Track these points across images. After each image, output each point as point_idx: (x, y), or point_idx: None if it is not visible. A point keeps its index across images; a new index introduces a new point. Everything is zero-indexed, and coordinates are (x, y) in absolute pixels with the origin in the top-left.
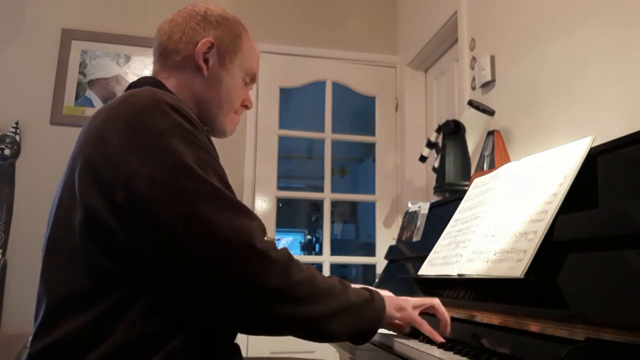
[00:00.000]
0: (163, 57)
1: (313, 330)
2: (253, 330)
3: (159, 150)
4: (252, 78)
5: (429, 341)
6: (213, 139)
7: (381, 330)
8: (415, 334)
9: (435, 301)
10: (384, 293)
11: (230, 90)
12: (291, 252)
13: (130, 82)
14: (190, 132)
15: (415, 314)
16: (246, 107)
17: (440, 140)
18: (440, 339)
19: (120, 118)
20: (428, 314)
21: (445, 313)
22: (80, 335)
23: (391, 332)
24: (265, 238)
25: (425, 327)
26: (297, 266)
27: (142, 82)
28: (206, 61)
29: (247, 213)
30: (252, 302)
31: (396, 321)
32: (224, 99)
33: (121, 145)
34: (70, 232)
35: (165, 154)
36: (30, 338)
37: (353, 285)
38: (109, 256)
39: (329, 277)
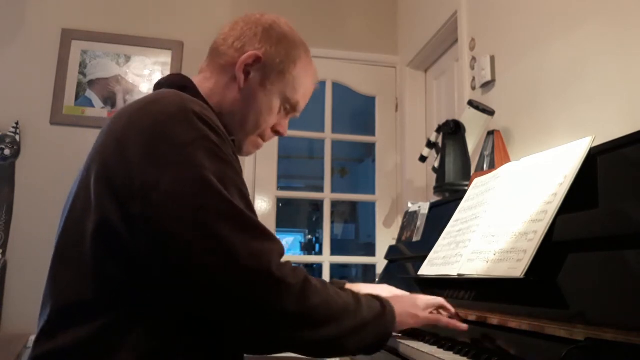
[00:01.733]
0: (212, 55)
1: (328, 350)
2: (267, 352)
3: (180, 162)
4: (293, 107)
5: (434, 343)
6: None
7: None
8: (415, 334)
9: (442, 300)
10: (386, 289)
11: (261, 113)
12: (289, 254)
13: (159, 79)
14: (215, 145)
15: (427, 314)
16: (277, 132)
17: (440, 140)
18: (464, 326)
19: (143, 125)
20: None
21: (453, 309)
22: (84, 346)
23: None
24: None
25: (443, 321)
26: (313, 289)
27: (171, 80)
28: (247, 74)
29: (266, 235)
30: (268, 327)
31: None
32: (250, 118)
33: (141, 154)
34: (81, 238)
35: (186, 167)
36: (34, 338)
37: (364, 287)
38: (119, 267)
39: (342, 291)
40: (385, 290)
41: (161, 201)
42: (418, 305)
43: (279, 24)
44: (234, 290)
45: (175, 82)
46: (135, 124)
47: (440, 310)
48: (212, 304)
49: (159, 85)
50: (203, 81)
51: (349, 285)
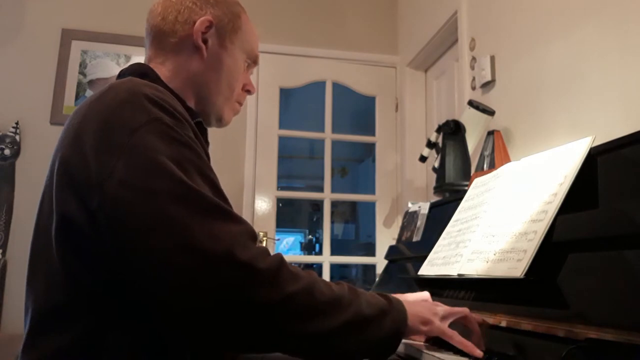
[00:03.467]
0: (157, 40)
1: (317, 350)
2: (247, 350)
3: (132, 148)
4: (254, 60)
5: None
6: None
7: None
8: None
9: (467, 311)
10: (413, 297)
11: (232, 73)
12: (289, 254)
13: (121, 69)
14: (169, 127)
15: (444, 326)
16: (248, 91)
17: (440, 140)
18: (480, 353)
19: (97, 115)
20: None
21: (477, 325)
22: (65, 354)
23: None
24: (260, 242)
25: (456, 338)
26: (290, 275)
27: (133, 69)
28: (205, 42)
29: (230, 216)
30: (239, 321)
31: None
32: (224, 82)
33: (95, 146)
34: (48, 240)
35: (138, 152)
36: (20, 349)
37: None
38: (88, 269)
39: (337, 283)
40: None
41: (114, 191)
42: (436, 312)
43: None
44: (194, 277)
45: (136, 70)
46: (90, 115)
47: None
48: (175, 297)
49: (120, 75)
50: (158, 67)
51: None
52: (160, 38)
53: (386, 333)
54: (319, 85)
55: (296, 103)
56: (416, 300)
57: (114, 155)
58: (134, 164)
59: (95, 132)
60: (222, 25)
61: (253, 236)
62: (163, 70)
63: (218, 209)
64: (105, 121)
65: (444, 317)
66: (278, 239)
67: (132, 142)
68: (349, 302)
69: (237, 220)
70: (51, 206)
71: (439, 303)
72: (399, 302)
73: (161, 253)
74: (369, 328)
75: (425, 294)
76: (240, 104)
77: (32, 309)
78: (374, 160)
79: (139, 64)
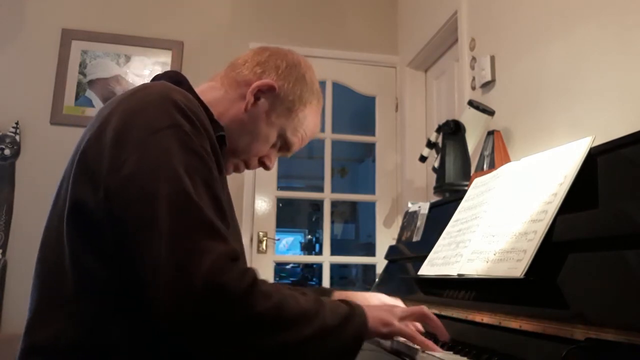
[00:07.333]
0: (229, 69)
1: None
2: None
3: (148, 147)
4: (287, 146)
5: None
6: None
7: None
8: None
9: (424, 309)
10: (376, 297)
11: (256, 139)
12: (288, 254)
13: (157, 74)
14: (187, 135)
15: (402, 326)
16: (263, 164)
17: (440, 140)
18: (438, 349)
19: (123, 111)
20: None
21: (437, 319)
22: (67, 341)
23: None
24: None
25: (418, 338)
26: (261, 294)
27: (166, 75)
28: (257, 99)
29: (218, 235)
30: (209, 338)
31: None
32: (243, 140)
33: (113, 138)
34: (60, 224)
35: (152, 152)
36: (24, 331)
37: (352, 295)
38: (93, 258)
39: (304, 295)
40: (374, 298)
41: (121, 185)
42: (395, 313)
43: (302, 65)
44: (171, 289)
45: (171, 77)
46: (117, 110)
47: (412, 323)
48: (154, 300)
49: (155, 79)
50: (208, 89)
51: (337, 294)
52: (231, 69)
53: (349, 338)
54: (319, 85)
55: None
56: (378, 304)
57: (128, 150)
58: (145, 162)
59: (117, 126)
60: (282, 99)
61: (234, 257)
62: (211, 93)
63: (209, 226)
64: (129, 118)
65: (402, 318)
66: (278, 239)
67: (149, 141)
68: (315, 313)
69: (221, 239)
70: (67, 191)
71: (397, 305)
72: (360, 307)
73: (146, 253)
74: (332, 336)
75: (384, 299)
76: (248, 167)
77: (38, 295)
78: (374, 160)
79: (175, 71)
